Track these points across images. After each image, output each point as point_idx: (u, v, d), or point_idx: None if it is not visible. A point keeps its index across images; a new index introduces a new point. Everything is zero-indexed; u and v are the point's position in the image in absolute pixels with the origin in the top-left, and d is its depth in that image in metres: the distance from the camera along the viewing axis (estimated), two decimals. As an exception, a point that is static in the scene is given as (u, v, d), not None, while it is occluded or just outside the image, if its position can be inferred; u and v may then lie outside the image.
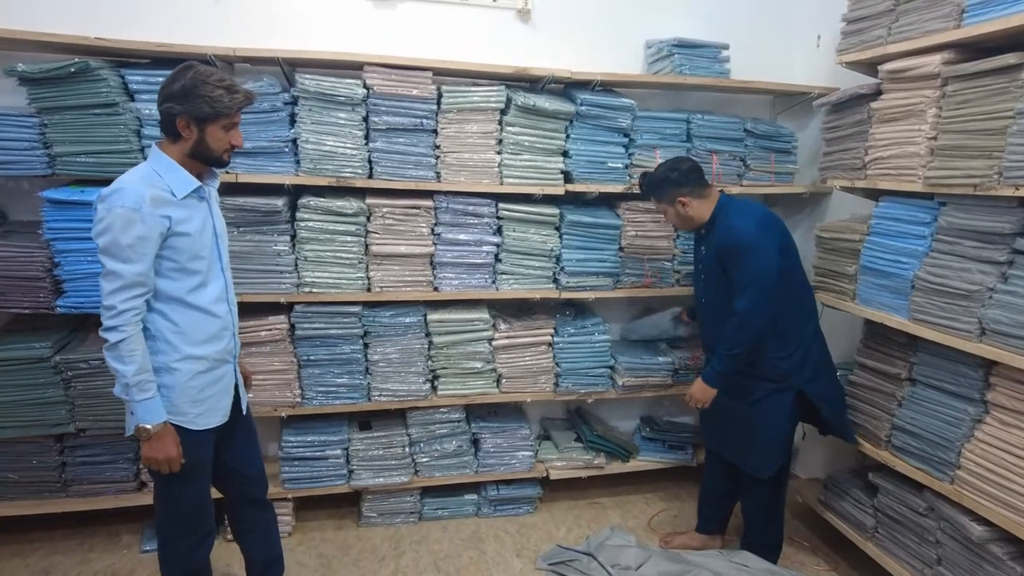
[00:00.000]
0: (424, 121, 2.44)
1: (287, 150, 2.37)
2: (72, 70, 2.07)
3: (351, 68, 2.42)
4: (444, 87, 2.46)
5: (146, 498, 2.47)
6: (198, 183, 1.69)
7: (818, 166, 2.59)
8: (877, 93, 2.25)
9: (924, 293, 2.03)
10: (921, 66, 2.02)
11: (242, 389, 1.91)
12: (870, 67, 2.32)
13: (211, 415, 1.79)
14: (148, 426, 1.63)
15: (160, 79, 2.19)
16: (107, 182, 2.20)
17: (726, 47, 2.77)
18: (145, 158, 2.21)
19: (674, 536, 2.66)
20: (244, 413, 1.93)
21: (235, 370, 1.87)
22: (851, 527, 2.38)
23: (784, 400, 2.22)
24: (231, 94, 1.63)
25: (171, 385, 1.69)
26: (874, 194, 2.34)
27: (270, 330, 2.47)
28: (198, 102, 1.60)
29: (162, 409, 1.66)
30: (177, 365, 1.70)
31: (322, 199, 2.42)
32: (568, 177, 2.63)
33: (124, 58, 2.32)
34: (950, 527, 1.97)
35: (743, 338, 2.12)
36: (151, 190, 1.59)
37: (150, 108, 2.21)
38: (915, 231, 2.09)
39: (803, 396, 2.23)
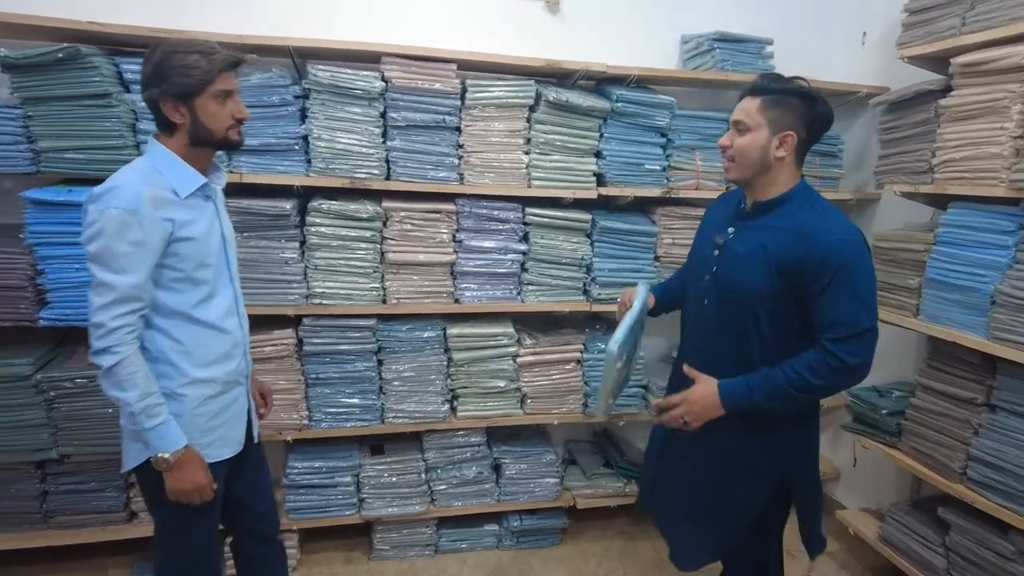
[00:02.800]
0: (447, 118, 2.24)
1: (297, 148, 2.16)
2: (60, 55, 1.86)
3: (368, 60, 2.21)
4: (468, 81, 2.26)
5: (136, 530, 2.25)
6: (203, 179, 1.48)
7: (873, 170, 2.39)
8: (947, 89, 2.05)
9: (1008, 310, 1.82)
10: (1004, 57, 1.82)
11: (254, 414, 1.70)
12: (936, 62, 2.13)
13: (223, 445, 1.58)
14: (166, 455, 1.43)
15: (159, 68, 2.02)
16: (98, 181, 2.00)
17: (770, 42, 2.58)
18: (140, 153, 2.03)
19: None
20: (256, 441, 1.71)
21: (247, 393, 1.65)
22: (917, 567, 2.16)
23: (760, 487, 1.62)
24: (208, 56, 1.40)
25: (177, 413, 1.48)
26: (940, 200, 2.14)
27: (276, 345, 2.25)
28: (173, 76, 1.38)
29: (179, 433, 1.45)
30: (183, 390, 1.49)
31: (335, 202, 2.21)
32: (601, 180, 2.42)
33: (120, 45, 2.11)
34: (1043, 573, 1.76)
35: (833, 385, 1.48)
36: (150, 189, 1.39)
37: (146, 100, 2.00)
38: (995, 240, 1.88)
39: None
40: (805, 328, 1.50)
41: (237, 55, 1.46)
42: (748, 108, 1.53)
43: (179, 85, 1.39)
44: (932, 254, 2.07)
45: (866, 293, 1.45)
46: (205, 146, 1.47)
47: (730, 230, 1.61)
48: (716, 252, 1.62)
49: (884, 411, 2.28)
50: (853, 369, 1.44)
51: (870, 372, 1.47)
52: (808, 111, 1.52)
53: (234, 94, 1.47)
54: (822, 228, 1.46)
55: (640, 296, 1.70)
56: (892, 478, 2.63)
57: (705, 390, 1.54)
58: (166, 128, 1.45)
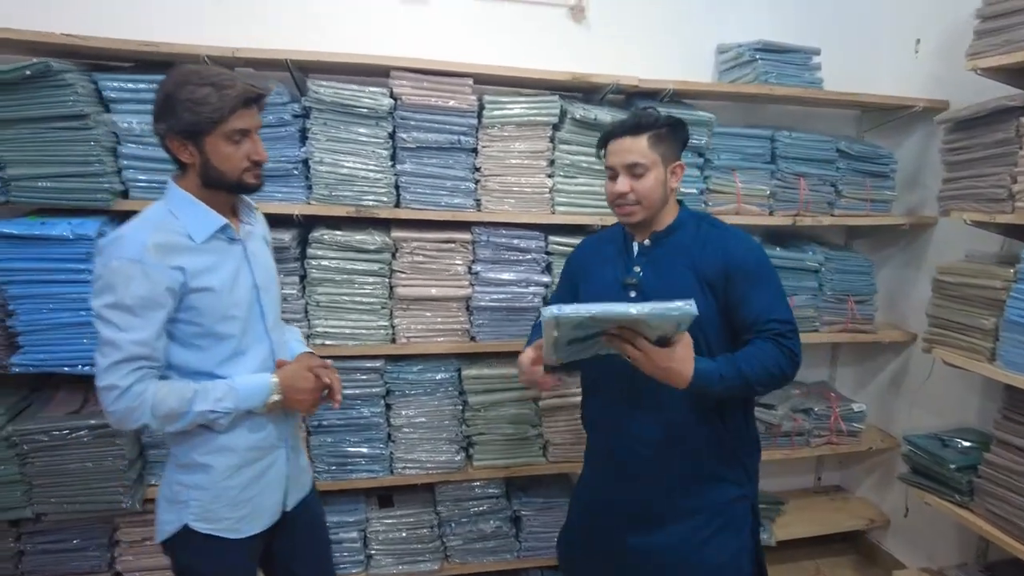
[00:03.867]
0: (462, 138, 2.02)
1: (296, 173, 1.95)
2: (28, 73, 1.65)
3: (375, 74, 2.01)
4: (486, 97, 2.04)
5: (121, 592, 2.04)
6: (223, 221, 1.33)
7: (937, 195, 2.15)
8: (1030, 106, 1.82)
9: (1112, 362, 1.58)
10: (1107, 72, 1.58)
11: (302, 476, 1.55)
12: (1014, 74, 1.89)
13: (256, 518, 1.43)
14: (273, 399, 1.36)
15: (144, 85, 1.80)
16: (73, 212, 1.81)
17: (817, 52, 2.35)
18: (121, 181, 1.84)
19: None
20: (304, 502, 1.55)
21: (287, 455, 1.47)
22: (994, 645, 1.92)
23: (743, 516, 1.57)
24: (221, 90, 1.24)
25: (203, 486, 1.36)
26: (1020, 231, 1.90)
27: (273, 390, 2.03)
28: (180, 111, 1.23)
29: (256, 383, 1.35)
30: (208, 459, 1.36)
31: (338, 232, 2.00)
32: (632, 205, 2.20)
33: (101, 60, 1.91)
34: None
35: (784, 381, 1.46)
36: (158, 235, 1.26)
37: (129, 120, 1.80)
38: (1094, 281, 1.65)
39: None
40: (737, 344, 1.48)
41: (257, 89, 1.29)
42: (639, 148, 1.48)
43: (186, 122, 1.24)
44: (1013, 292, 1.83)
45: (782, 291, 1.51)
46: (217, 188, 1.32)
47: (636, 268, 1.55)
48: (633, 294, 1.53)
49: (952, 465, 2.04)
50: (798, 366, 1.46)
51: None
52: (681, 137, 1.55)
53: (252, 133, 1.31)
54: (733, 237, 1.53)
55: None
56: (952, 532, 2.37)
57: (682, 354, 1.33)
58: (180, 166, 1.32)
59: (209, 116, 1.23)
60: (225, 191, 1.34)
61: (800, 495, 2.84)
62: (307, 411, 1.45)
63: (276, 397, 1.37)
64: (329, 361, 1.51)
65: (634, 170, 1.48)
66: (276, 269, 1.51)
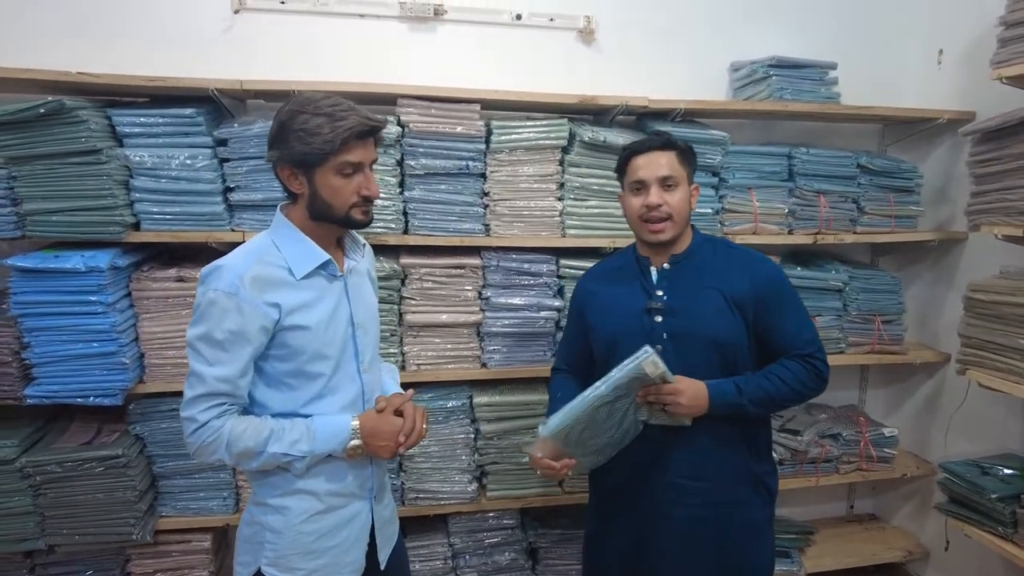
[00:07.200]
0: (470, 164, 2.01)
1: (305, 201, 1.95)
2: (42, 111, 1.68)
3: (382, 102, 2.01)
4: (494, 122, 2.03)
5: (135, 626, 2.02)
6: (325, 257, 1.27)
7: (965, 209, 2.06)
8: (1060, 115, 1.74)
9: None
10: None
11: (385, 524, 1.43)
12: (1039, 83, 1.82)
13: (332, 573, 1.33)
14: (353, 443, 1.28)
15: (158, 120, 1.83)
16: (87, 245, 1.84)
17: (833, 66, 2.29)
18: (133, 214, 1.86)
19: None
20: (394, 554, 1.46)
21: (372, 508, 1.39)
22: None
23: (767, 541, 1.60)
24: (335, 121, 1.18)
25: (278, 529, 1.29)
26: (1055, 245, 1.81)
27: (283, 420, 2.02)
28: (292, 140, 1.19)
29: (334, 424, 1.28)
30: (284, 501, 1.29)
31: (347, 260, 1.99)
32: (645, 227, 2.16)
33: (113, 95, 1.95)
34: None
35: (809, 397, 1.53)
36: (257, 267, 1.21)
37: (141, 154, 1.82)
38: None
39: None
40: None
41: (372, 121, 1.22)
42: (671, 163, 1.51)
43: (297, 153, 1.19)
44: (1049, 311, 1.73)
45: (804, 310, 1.56)
46: (324, 221, 1.27)
47: (659, 293, 1.53)
48: (658, 318, 1.51)
49: (993, 495, 1.92)
50: (826, 382, 1.52)
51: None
52: (695, 163, 1.58)
53: (364, 166, 1.25)
54: (754, 258, 1.56)
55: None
56: (998, 567, 2.23)
57: (693, 387, 1.43)
58: (290, 196, 1.29)
59: (320, 148, 1.18)
60: (334, 224, 1.28)
61: (831, 524, 2.71)
62: (389, 457, 1.33)
63: (356, 442, 1.28)
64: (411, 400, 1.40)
65: (666, 182, 1.49)
66: (377, 306, 1.45)
